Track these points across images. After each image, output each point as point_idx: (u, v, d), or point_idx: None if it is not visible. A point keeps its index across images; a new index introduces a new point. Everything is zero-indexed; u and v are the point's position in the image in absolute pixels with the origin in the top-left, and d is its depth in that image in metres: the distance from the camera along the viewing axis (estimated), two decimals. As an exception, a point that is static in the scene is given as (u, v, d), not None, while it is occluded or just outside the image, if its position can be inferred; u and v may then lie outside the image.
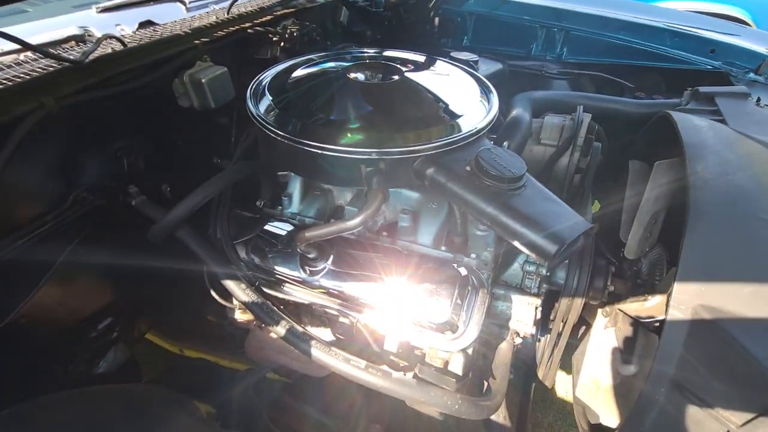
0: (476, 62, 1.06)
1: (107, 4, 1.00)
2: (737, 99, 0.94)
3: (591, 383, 0.81)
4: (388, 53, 0.96)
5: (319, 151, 0.64)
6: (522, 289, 0.82)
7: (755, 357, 0.44)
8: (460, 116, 0.74)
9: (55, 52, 0.67)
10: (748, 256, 0.51)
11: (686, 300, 0.51)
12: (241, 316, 0.90)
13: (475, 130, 0.70)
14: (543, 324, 0.88)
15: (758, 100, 0.96)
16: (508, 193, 0.60)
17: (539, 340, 0.93)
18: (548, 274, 0.80)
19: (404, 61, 0.89)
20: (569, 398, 1.31)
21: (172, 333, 1.13)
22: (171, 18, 1.00)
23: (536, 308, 0.80)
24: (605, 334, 0.84)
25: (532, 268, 0.81)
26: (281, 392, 0.84)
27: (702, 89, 0.99)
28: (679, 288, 0.51)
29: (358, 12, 1.41)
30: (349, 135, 0.67)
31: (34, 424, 0.52)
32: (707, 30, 1.24)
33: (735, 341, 0.46)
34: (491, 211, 0.59)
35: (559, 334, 0.85)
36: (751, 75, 1.19)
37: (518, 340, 0.83)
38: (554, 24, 1.32)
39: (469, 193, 0.61)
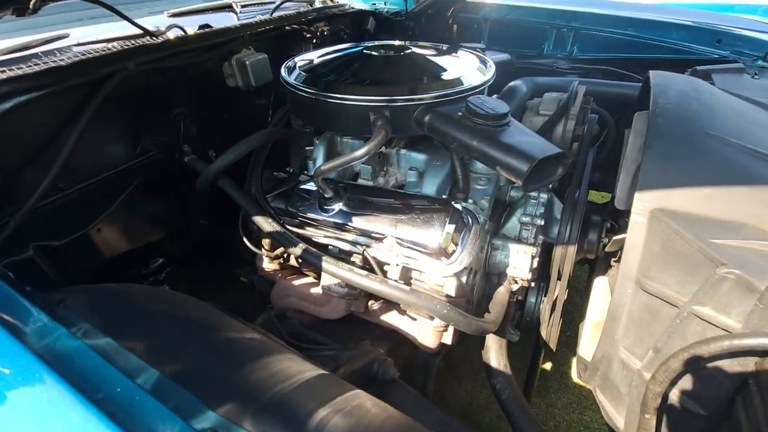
0: (483, 50, 1.18)
1: (175, 10, 1.23)
2: (732, 73, 0.99)
3: (591, 326, 0.85)
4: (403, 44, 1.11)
5: (336, 101, 0.78)
6: (519, 240, 0.90)
7: (695, 238, 0.50)
8: (457, 78, 0.85)
9: (139, 23, 0.87)
10: (697, 166, 0.57)
11: (645, 207, 0.58)
12: (268, 265, 1.03)
13: (468, 87, 0.81)
14: (540, 274, 0.94)
15: (755, 74, 1.01)
16: (492, 129, 0.70)
17: (543, 301, 0.98)
18: (542, 223, 0.87)
19: (418, 47, 1.03)
20: (583, 382, 1.31)
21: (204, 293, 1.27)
22: (224, 23, 1.21)
23: (532, 256, 0.87)
24: (602, 283, 0.88)
25: (527, 219, 0.88)
26: (299, 326, 0.93)
27: (699, 68, 1.05)
28: (638, 196, 0.58)
29: (384, 21, 1.59)
30: (360, 90, 0.80)
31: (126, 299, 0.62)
32: (713, 22, 1.30)
33: (681, 232, 0.53)
34: (477, 144, 0.69)
35: (556, 288, 0.90)
36: (760, 62, 1.22)
37: (515, 286, 0.90)
38: (564, 24, 1.43)
39: (460, 131, 0.72)
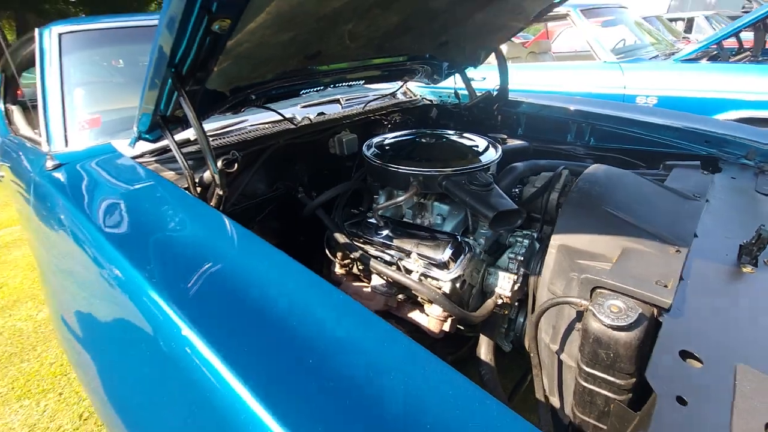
0: (504, 140, 1.64)
1: (304, 103, 1.91)
2: (687, 168, 1.33)
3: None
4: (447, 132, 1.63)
5: (392, 169, 1.30)
6: (507, 269, 1.28)
7: (570, 260, 0.88)
8: (470, 158, 1.33)
9: (289, 117, 1.51)
10: (586, 223, 0.95)
11: (555, 243, 0.98)
12: (338, 270, 1.53)
13: (475, 165, 1.28)
14: (520, 295, 1.31)
15: (710, 170, 1.33)
16: (480, 192, 1.15)
17: (525, 318, 1.32)
18: (522, 259, 1.26)
19: (456, 135, 1.54)
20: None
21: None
22: (334, 110, 1.86)
23: (513, 281, 1.25)
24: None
25: (513, 256, 1.28)
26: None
27: (668, 162, 1.40)
28: (554, 237, 0.99)
29: (445, 111, 2.15)
30: (406, 163, 1.31)
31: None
32: (703, 127, 1.62)
33: (567, 257, 0.92)
34: (468, 199, 1.15)
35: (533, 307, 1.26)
36: (742, 160, 1.51)
37: (500, 300, 1.27)
38: (583, 120, 1.85)
39: (461, 191, 1.18)
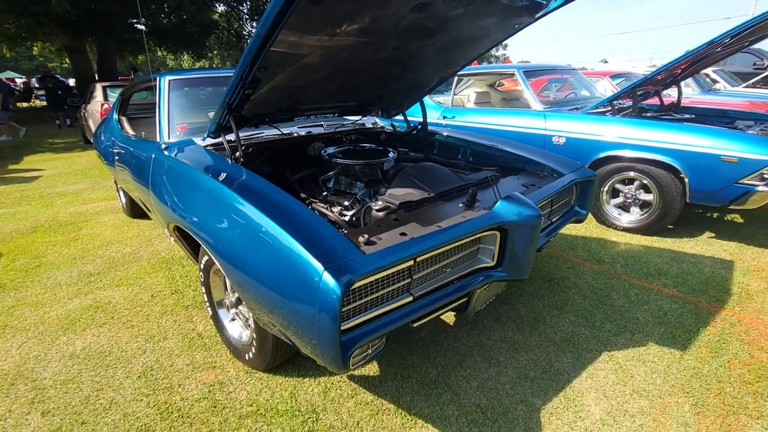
0: (406, 152, 2.81)
1: (302, 125, 3.17)
2: (490, 169, 2.46)
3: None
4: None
5: (332, 160, 2.49)
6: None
7: (391, 194, 2.04)
8: (372, 159, 2.52)
9: (287, 132, 2.77)
10: (402, 184, 2.11)
11: (384, 191, 2.14)
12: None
13: (367, 161, 2.46)
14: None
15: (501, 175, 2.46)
16: (370, 173, 2.33)
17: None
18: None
19: (372, 147, 2.73)
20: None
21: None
22: (318, 131, 3.11)
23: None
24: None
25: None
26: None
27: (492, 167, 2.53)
28: (390, 191, 2.15)
29: (391, 136, 3.36)
30: (340, 159, 2.51)
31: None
32: (527, 155, 2.74)
33: (390, 194, 2.07)
34: (361, 176, 2.32)
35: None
36: (539, 172, 2.62)
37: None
38: (465, 145, 3.00)
39: (359, 172, 2.36)
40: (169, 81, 2.94)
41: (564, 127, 4.16)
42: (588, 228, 4.06)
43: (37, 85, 20.60)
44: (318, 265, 1.29)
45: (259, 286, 1.52)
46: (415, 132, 3.25)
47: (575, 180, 2.47)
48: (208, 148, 2.52)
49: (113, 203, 5.15)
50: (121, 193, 4.61)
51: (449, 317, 2.58)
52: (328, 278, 1.25)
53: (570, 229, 4.01)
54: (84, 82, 14.78)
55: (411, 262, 1.54)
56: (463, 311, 2.00)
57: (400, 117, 3.24)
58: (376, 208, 1.96)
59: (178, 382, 2.07)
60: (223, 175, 1.99)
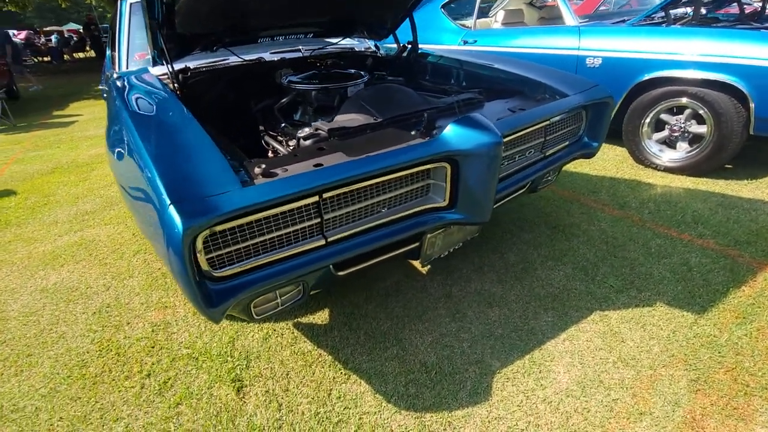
0: (383, 75, 2.40)
1: (276, 49, 2.83)
2: (474, 92, 2.02)
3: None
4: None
5: (289, 86, 2.18)
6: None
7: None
8: (333, 83, 2.16)
9: (256, 58, 2.46)
10: (351, 109, 1.77)
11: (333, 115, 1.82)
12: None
13: (326, 85, 2.11)
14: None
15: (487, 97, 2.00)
16: (324, 98, 2.00)
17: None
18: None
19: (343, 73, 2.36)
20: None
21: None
22: (295, 55, 2.76)
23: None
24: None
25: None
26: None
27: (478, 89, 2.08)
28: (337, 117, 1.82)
29: (380, 60, 2.93)
30: (297, 84, 2.18)
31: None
32: (523, 73, 2.23)
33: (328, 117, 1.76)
34: (314, 101, 2.00)
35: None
36: (528, 92, 2.12)
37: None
38: (459, 67, 2.52)
39: (314, 97, 2.04)
40: (131, 4, 2.69)
41: (601, 45, 3.43)
42: (621, 168, 3.45)
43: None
44: (165, 198, 1.05)
45: (139, 216, 1.35)
46: (405, 55, 2.80)
47: (582, 103, 1.96)
48: (161, 76, 2.30)
49: (131, 145, 5.24)
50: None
51: (420, 265, 2.30)
52: (173, 214, 1.02)
53: (597, 169, 3.44)
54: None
55: (315, 198, 1.26)
56: (416, 258, 1.72)
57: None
58: (302, 135, 1.66)
59: (128, 320, 2.04)
60: (139, 105, 1.77)
